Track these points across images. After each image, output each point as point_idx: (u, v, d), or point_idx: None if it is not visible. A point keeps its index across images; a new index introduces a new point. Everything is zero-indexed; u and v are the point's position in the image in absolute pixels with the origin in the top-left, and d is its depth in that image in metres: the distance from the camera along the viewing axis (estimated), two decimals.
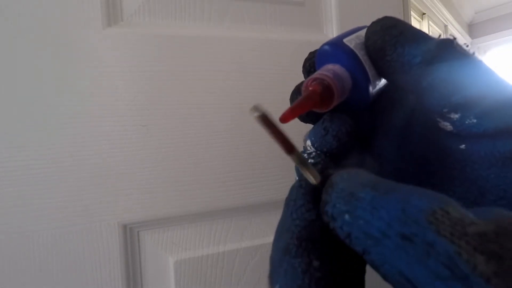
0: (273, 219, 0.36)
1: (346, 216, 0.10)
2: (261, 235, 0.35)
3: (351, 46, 0.15)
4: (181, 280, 0.32)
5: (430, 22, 2.08)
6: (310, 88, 0.14)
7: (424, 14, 1.99)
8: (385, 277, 0.09)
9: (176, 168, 0.31)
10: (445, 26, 2.33)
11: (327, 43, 0.16)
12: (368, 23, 0.16)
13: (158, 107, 0.31)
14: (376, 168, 0.17)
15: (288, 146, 0.11)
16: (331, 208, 0.10)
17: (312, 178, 0.12)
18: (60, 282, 0.28)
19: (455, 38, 0.14)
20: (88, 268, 0.29)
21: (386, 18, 0.15)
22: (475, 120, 0.13)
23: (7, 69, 0.27)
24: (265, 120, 0.11)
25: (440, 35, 0.14)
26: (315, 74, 0.15)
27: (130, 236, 0.31)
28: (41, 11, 0.28)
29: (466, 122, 0.13)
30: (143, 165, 0.30)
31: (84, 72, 0.29)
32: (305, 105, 0.14)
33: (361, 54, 0.15)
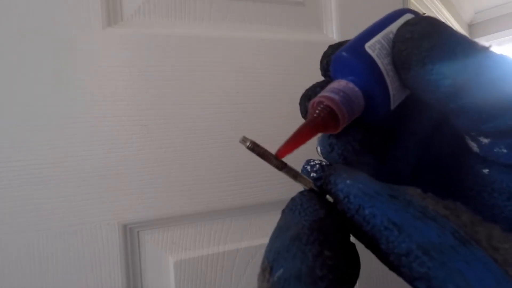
0: (273, 219, 0.36)
1: (348, 181, 0.12)
2: (261, 235, 0.35)
3: (374, 53, 0.13)
4: (181, 280, 0.32)
5: None
6: (315, 115, 0.13)
7: (424, 14, 1.98)
8: (373, 227, 0.11)
9: (176, 168, 0.31)
10: None
11: (346, 49, 0.14)
12: (368, 24, 0.14)
13: (158, 107, 0.31)
14: (388, 177, 0.17)
15: (278, 164, 0.13)
16: (335, 177, 0.12)
17: (305, 186, 0.14)
18: (60, 282, 0.28)
19: (504, 55, 0.12)
20: (88, 268, 0.29)
21: (421, 22, 0.13)
22: (505, 150, 0.12)
23: (7, 69, 0.27)
24: (255, 147, 0.13)
25: (489, 47, 0.12)
26: (323, 94, 0.14)
27: (130, 236, 0.31)
28: (41, 11, 0.28)
29: (495, 150, 0.12)
30: (143, 165, 0.30)
31: (84, 72, 0.29)
32: (307, 133, 0.13)
33: (384, 64, 0.13)
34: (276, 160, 0.13)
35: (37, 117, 0.28)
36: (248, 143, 0.13)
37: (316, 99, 0.14)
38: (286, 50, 0.35)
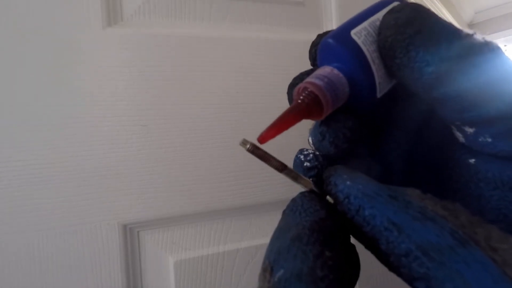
0: (273, 219, 0.36)
1: (348, 182, 0.12)
2: (261, 235, 0.35)
3: (359, 40, 0.13)
4: (181, 280, 0.32)
5: None
6: (299, 101, 0.13)
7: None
8: (373, 228, 0.10)
9: (176, 168, 0.31)
10: None
11: (332, 35, 0.14)
12: None
13: (158, 107, 0.31)
14: (381, 171, 0.17)
15: (278, 166, 0.13)
16: (335, 178, 0.12)
17: (305, 187, 0.14)
18: (60, 282, 0.28)
19: (488, 42, 0.12)
20: (88, 268, 0.29)
21: (406, 8, 0.12)
22: (489, 140, 0.12)
23: (7, 69, 0.27)
24: (255, 149, 0.13)
25: (473, 34, 0.12)
26: (307, 80, 0.14)
27: (130, 236, 0.31)
28: (41, 11, 0.28)
29: (480, 139, 0.12)
30: (143, 165, 0.30)
31: (84, 72, 0.29)
32: (290, 119, 0.13)
33: (370, 51, 0.13)
34: (277, 162, 0.13)
35: (37, 117, 0.28)
36: (248, 146, 0.13)
37: (300, 85, 0.14)
38: (286, 50, 0.35)
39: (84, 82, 0.29)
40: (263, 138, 0.13)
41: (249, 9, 0.35)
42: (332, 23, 0.37)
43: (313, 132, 0.15)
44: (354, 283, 0.11)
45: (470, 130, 0.12)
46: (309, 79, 0.14)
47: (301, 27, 0.37)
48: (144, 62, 0.30)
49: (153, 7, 0.32)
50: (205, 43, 0.32)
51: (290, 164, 0.14)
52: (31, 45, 0.28)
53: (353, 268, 0.12)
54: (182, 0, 0.32)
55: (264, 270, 0.11)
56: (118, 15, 0.31)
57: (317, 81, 0.13)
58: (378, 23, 0.14)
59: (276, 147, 0.14)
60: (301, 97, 0.13)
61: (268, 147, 0.13)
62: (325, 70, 0.14)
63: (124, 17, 0.31)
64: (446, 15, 2.27)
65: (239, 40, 0.34)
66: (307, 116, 0.13)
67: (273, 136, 0.13)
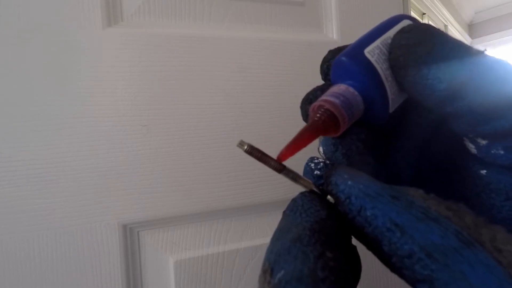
0: (273, 219, 0.36)
1: (349, 182, 0.11)
2: (261, 235, 0.35)
3: (373, 59, 0.14)
4: (181, 280, 0.32)
5: (430, 22, 2.08)
6: (315, 119, 0.13)
7: (424, 14, 1.99)
8: (375, 229, 0.10)
9: (176, 168, 0.31)
10: (445, 26, 2.33)
11: (346, 54, 0.14)
12: (368, 24, 0.15)
13: (158, 107, 0.31)
14: (388, 177, 0.17)
15: (277, 167, 0.13)
16: (336, 177, 0.12)
17: (305, 187, 0.14)
18: (60, 282, 0.28)
19: (497, 58, 0.12)
20: (88, 268, 0.29)
21: (415, 29, 0.13)
22: (502, 152, 0.12)
23: (7, 69, 0.27)
24: (253, 150, 0.13)
25: (484, 51, 0.12)
26: (323, 98, 0.14)
27: (130, 236, 0.31)
28: (41, 11, 0.28)
29: (492, 151, 0.12)
30: (143, 165, 0.30)
31: (84, 72, 0.29)
32: (308, 137, 0.13)
33: (383, 69, 0.14)
34: (275, 163, 0.13)
35: (37, 117, 0.28)
36: (245, 147, 0.13)
37: (317, 103, 0.14)
38: (286, 50, 0.35)
39: (84, 82, 0.29)
40: (283, 156, 0.13)
41: (249, 9, 0.35)
42: (332, 23, 0.37)
43: (325, 143, 0.15)
44: (356, 285, 0.11)
45: (483, 142, 0.12)
46: (325, 97, 0.14)
47: (300, 27, 0.37)
48: (144, 62, 0.30)
49: (153, 7, 0.32)
50: (205, 43, 0.32)
51: (288, 165, 0.14)
52: (31, 45, 0.28)
53: (355, 269, 0.12)
54: (182, 0, 0.32)
55: (264, 271, 0.11)
56: (118, 15, 0.31)
57: (334, 99, 0.14)
58: (389, 41, 0.14)
59: (275, 150, 0.14)
60: (318, 115, 0.14)
61: (267, 149, 0.13)
62: (341, 88, 0.14)
63: (124, 17, 0.31)
64: (446, 15, 2.28)
65: (238, 40, 0.34)
66: (324, 133, 0.14)
67: (292, 153, 0.13)
